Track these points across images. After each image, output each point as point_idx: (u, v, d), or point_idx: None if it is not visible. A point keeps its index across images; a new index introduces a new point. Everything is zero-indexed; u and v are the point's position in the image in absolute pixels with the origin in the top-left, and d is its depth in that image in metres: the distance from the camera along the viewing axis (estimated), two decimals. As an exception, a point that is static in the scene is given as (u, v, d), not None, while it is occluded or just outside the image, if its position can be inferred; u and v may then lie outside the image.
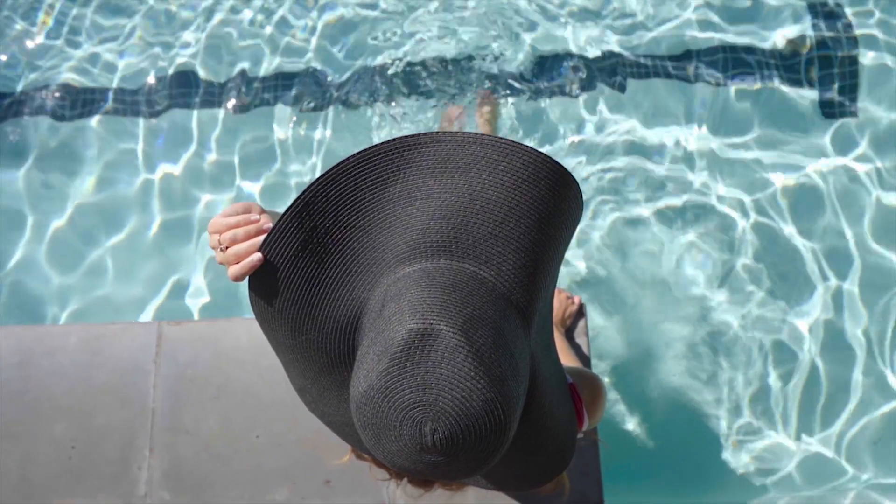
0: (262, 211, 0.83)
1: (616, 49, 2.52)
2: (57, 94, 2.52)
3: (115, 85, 2.53)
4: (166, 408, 1.69)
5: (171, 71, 2.54)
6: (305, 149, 2.44)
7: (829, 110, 2.42)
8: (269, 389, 1.68)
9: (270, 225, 0.80)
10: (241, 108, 2.49)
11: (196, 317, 2.24)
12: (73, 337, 1.77)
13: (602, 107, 2.46)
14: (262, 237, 0.79)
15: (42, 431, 1.69)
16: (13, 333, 1.79)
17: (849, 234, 2.28)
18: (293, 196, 0.79)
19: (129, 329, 1.79)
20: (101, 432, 1.68)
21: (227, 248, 0.80)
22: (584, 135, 2.43)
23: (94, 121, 2.49)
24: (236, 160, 2.44)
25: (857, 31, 2.50)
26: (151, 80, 2.54)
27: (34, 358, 1.75)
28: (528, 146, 0.78)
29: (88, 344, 1.76)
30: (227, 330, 1.77)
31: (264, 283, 0.80)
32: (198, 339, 1.75)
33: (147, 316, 2.25)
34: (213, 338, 1.75)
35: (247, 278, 0.80)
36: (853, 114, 2.41)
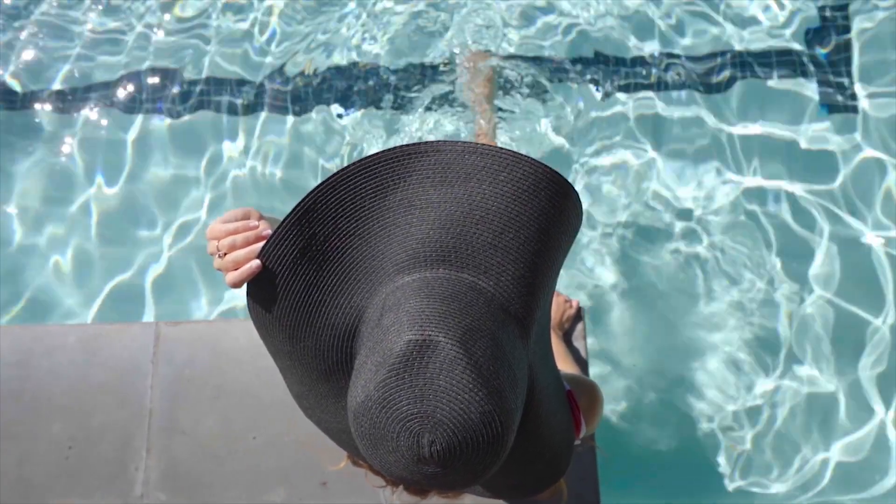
0: (261, 217, 0.83)
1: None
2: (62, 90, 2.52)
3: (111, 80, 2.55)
4: (164, 408, 1.68)
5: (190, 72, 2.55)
6: (306, 153, 2.44)
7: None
8: (266, 390, 1.68)
9: (269, 231, 0.80)
10: (244, 110, 2.49)
11: (195, 317, 2.24)
12: (72, 337, 1.77)
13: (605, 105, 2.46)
14: (260, 244, 0.79)
15: (40, 431, 1.68)
16: (11, 333, 1.79)
17: (853, 235, 2.29)
18: (293, 203, 0.79)
19: (128, 329, 1.79)
20: (99, 432, 1.68)
21: (225, 254, 0.79)
22: (579, 127, 2.43)
23: (93, 116, 2.49)
24: (235, 163, 2.44)
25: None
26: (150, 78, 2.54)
27: (32, 357, 1.74)
28: (528, 157, 0.78)
29: (86, 344, 1.75)
30: (225, 330, 1.77)
31: (263, 290, 0.80)
32: (196, 340, 1.75)
33: (145, 316, 2.25)
34: (211, 338, 1.75)
35: (245, 285, 0.80)
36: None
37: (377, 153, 0.79)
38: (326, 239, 0.79)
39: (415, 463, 0.69)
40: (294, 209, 0.78)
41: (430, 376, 0.68)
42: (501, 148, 0.78)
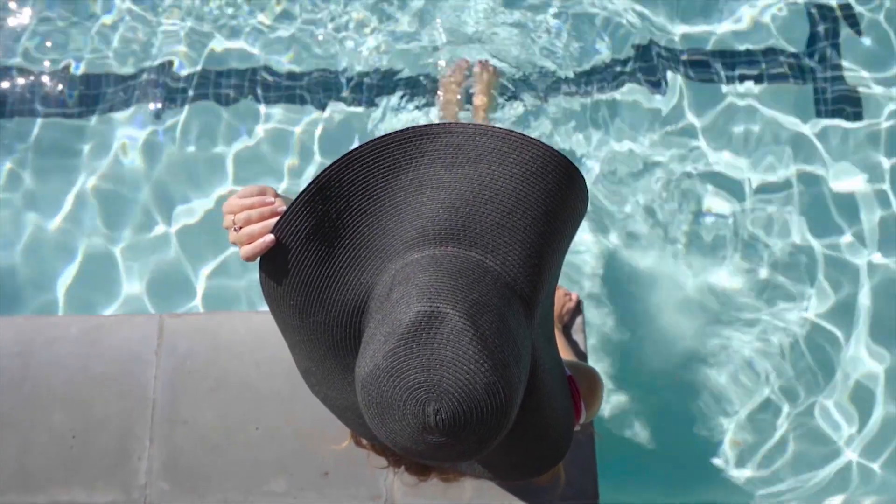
0: (276, 195, 0.85)
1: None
2: (58, 87, 2.54)
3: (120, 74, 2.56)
4: (166, 399, 1.69)
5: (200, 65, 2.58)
6: (311, 144, 2.47)
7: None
8: (267, 382, 1.69)
9: (284, 208, 0.82)
10: (243, 103, 2.51)
11: (195, 310, 2.26)
12: (74, 328, 1.78)
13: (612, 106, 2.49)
14: (275, 219, 0.81)
15: (41, 421, 1.69)
16: (13, 323, 1.80)
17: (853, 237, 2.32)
18: (302, 187, 0.81)
19: (130, 320, 1.80)
20: (101, 422, 1.69)
21: (240, 228, 0.82)
22: (590, 130, 2.45)
23: (94, 114, 2.51)
24: (237, 154, 2.46)
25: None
26: (159, 72, 2.56)
27: (34, 348, 1.75)
28: (537, 140, 0.80)
29: (88, 335, 1.76)
30: (225, 323, 1.78)
31: (275, 265, 0.82)
32: (197, 332, 1.76)
33: (148, 308, 2.26)
34: (212, 330, 1.76)
35: (258, 259, 0.82)
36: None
37: (390, 133, 0.81)
38: (339, 216, 0.81)
39: (420, 432, 0.70)
40: (308, 186, 0.80)
41: (437, 346, 0.70)
42: (511, 130, 0.80)
